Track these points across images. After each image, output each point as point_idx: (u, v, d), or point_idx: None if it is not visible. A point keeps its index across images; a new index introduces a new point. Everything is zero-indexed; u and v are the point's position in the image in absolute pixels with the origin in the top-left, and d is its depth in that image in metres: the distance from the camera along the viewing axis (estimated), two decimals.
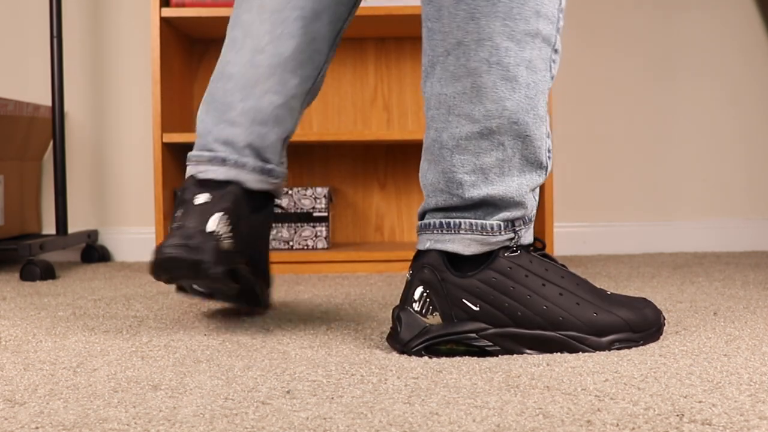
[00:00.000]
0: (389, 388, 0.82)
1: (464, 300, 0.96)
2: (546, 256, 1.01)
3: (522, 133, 0.96)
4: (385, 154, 2.08)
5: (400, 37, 2.07)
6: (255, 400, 0.78)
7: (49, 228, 2.11)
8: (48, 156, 2.10)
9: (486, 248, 0.97)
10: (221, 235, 1.07)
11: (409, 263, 1.08)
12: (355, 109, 2.08)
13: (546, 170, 0.99)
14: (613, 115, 2.12)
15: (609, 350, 0.97)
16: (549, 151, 0.99)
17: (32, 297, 1.46)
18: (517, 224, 0.98)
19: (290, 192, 1.87)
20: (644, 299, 1.04)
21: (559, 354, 0.96)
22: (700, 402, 0.76)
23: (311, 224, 1.89)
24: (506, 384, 0.83)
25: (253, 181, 1.14)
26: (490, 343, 0.96)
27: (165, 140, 1.77)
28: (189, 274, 1.06)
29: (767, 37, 2.12)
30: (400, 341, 0.97)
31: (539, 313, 0.96)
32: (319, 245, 1.88)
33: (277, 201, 1.23)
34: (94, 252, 2.03)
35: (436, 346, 0.96)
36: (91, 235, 2.02)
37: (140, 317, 1.24)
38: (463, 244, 0.97)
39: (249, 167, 1.13)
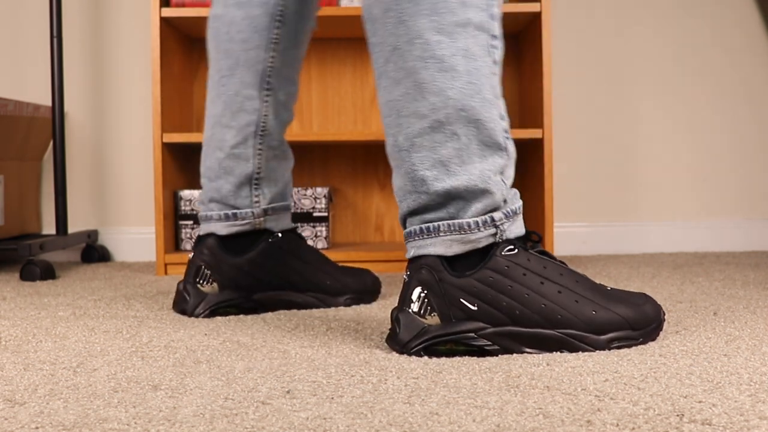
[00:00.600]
0: (389, 388, 0.82)
1: (462, 300, 0.96)
2: (544, 252, 1.01)
3: (472, 118, 0.96)
4: (385, 154, 2.08)
5: None
6: (255, 400, 0.78)
7: (49, 228, 2.11)
8: (48, 156, 2.10)
9: (468, 246, 0.97)
10: (203, 282, 1.27)
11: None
12: (355, 109, 2.08)
13: (507, 151, 0.99)
14: (612, 114, 2.12)
15: (608, 348, 0.97)
16: (506, 132, 0.99)
17: (32, 297, 1.46)
18: (496, 218, 0.98)
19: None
20: (644, 295, 1.03)
21: (558, 354, 0.96)
22: (700, 402, 0.76)
23: (311, 224, 1.89)
24: (506, 384, 0.83)
25: (221, 228, 1.29)
26: (489, 342, 0.96)
27: (165, 140, 1.77)
28: (185, 315, 1.28)
29: (767, 39, 2.12)
30: (399, 342, 0.97)
31: (538, 312, 0.96)
32: (319, 245, 1.88)
33: (277, 233, 1.33)
34: (94, 252, 2.03)
35: (435, 346, 0.96)
36: (91, 235, 2.02)
37: (140, 317, 1.24)
38: (444, 246, 0.98)
39: (215, 218, 1.30)
